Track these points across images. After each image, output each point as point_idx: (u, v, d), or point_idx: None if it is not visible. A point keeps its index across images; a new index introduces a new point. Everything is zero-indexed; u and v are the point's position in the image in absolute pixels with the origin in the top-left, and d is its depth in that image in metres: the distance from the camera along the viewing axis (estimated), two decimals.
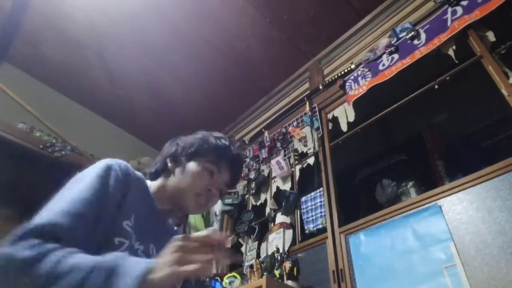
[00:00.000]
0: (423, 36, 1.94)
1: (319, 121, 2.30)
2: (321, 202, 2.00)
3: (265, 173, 2.53)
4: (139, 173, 0.86)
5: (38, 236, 0.58)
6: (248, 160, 2.69)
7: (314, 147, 2.25)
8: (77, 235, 0.63)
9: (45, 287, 0.53)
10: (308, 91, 2.61)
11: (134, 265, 0.55)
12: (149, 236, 0.78)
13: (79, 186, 0.70)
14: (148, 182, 0.90)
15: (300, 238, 2.00)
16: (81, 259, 0.56)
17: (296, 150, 2.39)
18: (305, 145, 2.34)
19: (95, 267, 0.54)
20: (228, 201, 2.54)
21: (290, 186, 2.28)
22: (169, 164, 0.90)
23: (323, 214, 1.94)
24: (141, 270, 0.53)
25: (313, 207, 2.02)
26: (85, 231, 0.65)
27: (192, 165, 0.88)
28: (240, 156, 1.00)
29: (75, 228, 0.63)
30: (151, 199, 0.86)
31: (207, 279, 1.95)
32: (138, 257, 0.71)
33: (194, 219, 2.53)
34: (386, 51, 2.09)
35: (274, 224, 2.18)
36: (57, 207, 0.65)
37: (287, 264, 1.73)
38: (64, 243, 0.59)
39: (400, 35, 2.07)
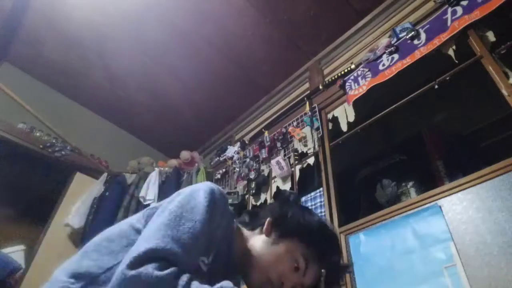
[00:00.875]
0: (423, 36, 1.94)
1: (319, 121, 2.30)
2: (321, 202, 2.00)
3: (265, 173, 2.53)
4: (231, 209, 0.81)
5: (159, 260, 0.58)
6: (248, 160, 2.69)
7: (314, 147, 2.25)
8: (188, 268, 0.62)
9: None
10: (308, 91, 2.61)
11: None
12: (218, 280, 0.67)
13: (194, 217, 0.68)
14: (235, 225, 0.83)
15: None
16: None
17: (296, 150, 2.39)
18: (305, 145, 2.34)
19: None
20: (228, 201, 2.54)
21: (290, 186, 2.28)
22: (266, 224, 0.79)
23: (323, 214, 1.94)
24: None
25: (313, 207, 2.02)
26: (192, 263, 0.65)
27: (288, 245, 0.76)
28: (340, 267, 0.84)
29: (189, 260, 0.63)
30: (232, 243, 0.78)
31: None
32: None
33: None
34: (386, 51, 2.08)
35: None
36: (173, 234, 0.63)
37: None
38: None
39: (400, 35, 2.07)
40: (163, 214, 0.68)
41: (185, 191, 0.74)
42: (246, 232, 0.83)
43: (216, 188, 0.75)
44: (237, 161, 2.82)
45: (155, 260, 0.58)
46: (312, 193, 2.07)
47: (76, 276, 0.65)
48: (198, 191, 0.73)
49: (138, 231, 0.71)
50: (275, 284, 0.74)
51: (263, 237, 0.79)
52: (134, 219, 0.76)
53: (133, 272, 0.55)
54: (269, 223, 0.79)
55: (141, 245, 0.60)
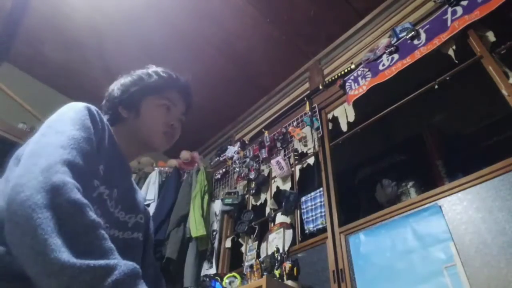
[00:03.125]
0: (423, 36, 1.94)
1: (319, 121, 2.30)
2: (321, 202, 2.00)
3: (265, 173, 2.53)
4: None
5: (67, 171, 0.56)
6: (248, 160, 2.69)
7: (314, 147, 2.25)
8: (85, 175, 0.62)
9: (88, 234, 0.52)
10: (308, 91, 2.61)
11: None
12: (114, 181, 0.77)
13: (72, 124, 0.67)
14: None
15: (300, 238, 2.00)
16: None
17: (296, 150, 2.39)
18: (305, 145, 2.34)
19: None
20: (228, 201, 2.54)
21: (290, 186, 2.28)
22: (122, 112, 0.89)
23: (323, 214, 1.94)
24: None
25: (313, 207, 2.02)
26: (87, 170, 0.64)
27: (146, 107, 0.89)
28: (188, 83, 1.04)
29: (85, 167, 0.62)
30: (116, 144, 0.84)
31: (207, 279, 1.95)
32: (103, 201, 0.72)
33: (194, 219, 2.52)
34: (386, 51, 2.08)
35: (274, 224, 2.18)
36: (63, 143, 0.61)
37: (287, 264, 1.72)
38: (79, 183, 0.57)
39: (400, 35, 2.07)
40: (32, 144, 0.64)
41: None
42: (119, 128, 0.89)
43: (88, 105, 0.76)
44: (237, 161, 2.82)
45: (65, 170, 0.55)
46: (312, 193, 2.07)
47: None
48: (68, 109, 0.72)
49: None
50: (168, 130, 0.91)
51: (129, 121, 0.89)
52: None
53: (55, 179, 0.53)
54: (122, 109, 0.89)
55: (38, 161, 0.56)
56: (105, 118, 0.81)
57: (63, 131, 0.65)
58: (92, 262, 0.48)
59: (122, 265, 0.51)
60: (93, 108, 0.76)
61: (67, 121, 0.68)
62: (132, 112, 0.89)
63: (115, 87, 0.93)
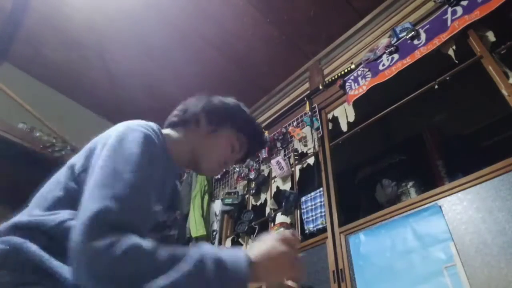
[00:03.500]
0: (423, 36, 1.94)
1: (319, 121, 2.30)
2: (321, 202, 2.00)
3: (265, 173, 2.53)
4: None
5: (115, 230, 0.55)
6: (248, 160, 2.69)
7: (314, 147, 2.25)
8: (144, 228, 0.62)
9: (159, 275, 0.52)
10: (308, 91, 2.61)
11: (236, 255, 0.59)
12: (164, 195, 0.78)
13: (131, 168, 0.64)
14: (164, 130, 0.87)
15: (300, 238, 2.00)
16: (174, 250, 0.57)
17: (296, 150, 2.39)
18: (305, 145, 2.34)
19: (203, 255, 0.56)
20: (228, 201, 2.54)
21: (290, 186, 2.28)
22: (202, 121, 0.90)
23: (323, 214, 1.94)
24: (245, 260, 0.58)
25: (313, 207, 2.02)
26: (147, 222, 0.65)
27: (224, 135, 0.91)
28: (263, 139, 1.06)
29: (144, 222, 0.62)
30: (169, 156, 0.81)
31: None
32: (166, 226, 0.75)
33: (194, 219, 2.52)
34: (386, 51, 2.08)
35: (274, 224, 2.18)
36: (120, 194, 0.59)
37: None
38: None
39: (400, 35, 2.07)
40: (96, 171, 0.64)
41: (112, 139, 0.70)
42: (180, 133, 0.90)
43: (150, 128, 0.75)
44: None
45: (112, 231, 0.55)
46: (312, 193, 2.07)
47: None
48: (130, 138, 0.70)
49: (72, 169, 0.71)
50: (222, 166, 0.93)
51: (200, 132, 0.89)
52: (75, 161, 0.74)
53: (95, 247, 0.52)
54: (204, 117, 0.90)
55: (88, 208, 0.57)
56: (169, 120, 0.90)
57: (128, 178, 0.62)
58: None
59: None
60: (156, 136, 0.74)
61: (130, 162, 0.65)
62: (210, 128, 0.90)
63: (216, 99, 0.95)
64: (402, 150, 2.47)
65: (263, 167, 2.59)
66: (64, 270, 0.58)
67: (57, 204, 0.67)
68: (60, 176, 0.72)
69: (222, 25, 2.59)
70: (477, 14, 1.70)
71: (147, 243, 0.56)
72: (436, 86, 1.79)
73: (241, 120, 0.95)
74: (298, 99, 2.67)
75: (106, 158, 0.65)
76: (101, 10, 2.53)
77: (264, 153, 2.57)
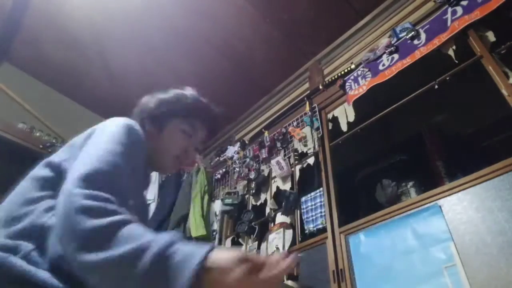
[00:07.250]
0: (423, 36, 1.94)
1: (319, 121, 2.30)
2: (321, 202, 2.00)
3: (265, 173, 2.53)
4: None
5: (99, 187, 0.58)
6: (248, 160, 2.69)
7: (314, 147, 2.25)
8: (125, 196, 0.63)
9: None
10: (308, 91, 2.61)
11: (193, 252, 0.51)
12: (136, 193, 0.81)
13: (117, 141, 0.70)
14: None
15: (300, 238, 2.00)
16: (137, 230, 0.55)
17: (296, 150, 2.39)
18: (305, 145, 2.34)
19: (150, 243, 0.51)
20: (228, 201, 2.54)
21: (290, 186, 2.28)
22: (147, 126, 0.91)
23: (323, 214, 1.94)
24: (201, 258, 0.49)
25: (313, 207, 2.02)
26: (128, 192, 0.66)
27: (170, 128, 0.91)
28: (216, 114, 1.03)
29: (126, 191, 0.64)
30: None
31: None
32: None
33: (194, 219, 2.52)
34: (386, 51, 2.09)
35: (274, 224, 2.18)
36: (109, 161, 0.64)
37: None
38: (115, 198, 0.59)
39: (400, 35, 2.07)
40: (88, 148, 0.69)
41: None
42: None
43: (132, 122, 0.79)
44: (237, 161, 2.82)
45: (97, 187, 0.57)
46: (312, 193, 2.07)
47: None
48: (114, 126, 0.76)
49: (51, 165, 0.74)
50: (181, 156, 0.92)
51: (150, 136, 0.90)
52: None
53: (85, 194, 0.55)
54: (148, 123, 0.92)
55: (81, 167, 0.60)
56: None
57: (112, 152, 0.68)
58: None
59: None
60: (138, 128, 0.79)
61: (114, 143, 0.70)
62: (155, 128, 0.91)
63: (153, 100, 0.95)
64: (402, 150, 2.46)
65: (263, 167, 2.59)
66: (54, 281, 0.57)
67: (36, 201, 0.69)
68: (26, 185, 0.75)
69: (222, 25, 2.59)
70: (477, 14, 1.70)
71: (125, 216, 0.56)
72: (436, 86, 1.79)
73: (181, 108, 0.94)
74: (298, 99, 2.67)
75: (91, 143, 0.70)
76: (101, 9, 2.53)
77: (264, 153, 2.57)
